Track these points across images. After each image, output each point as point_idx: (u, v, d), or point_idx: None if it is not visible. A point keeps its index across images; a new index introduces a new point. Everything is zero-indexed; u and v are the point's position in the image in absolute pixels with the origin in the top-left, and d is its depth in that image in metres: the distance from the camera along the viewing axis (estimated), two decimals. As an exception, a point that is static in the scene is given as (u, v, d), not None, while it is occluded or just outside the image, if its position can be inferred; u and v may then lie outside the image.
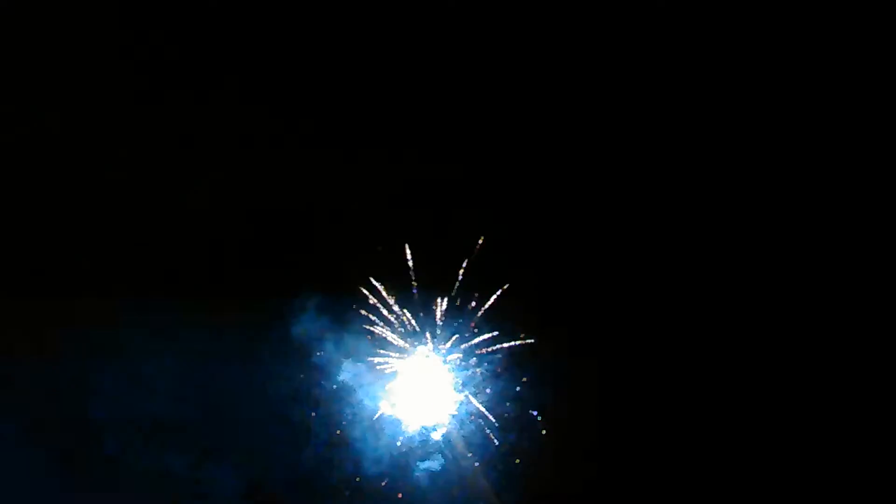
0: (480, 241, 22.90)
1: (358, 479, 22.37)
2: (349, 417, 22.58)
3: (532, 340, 22.75)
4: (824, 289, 23.43)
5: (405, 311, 22.92)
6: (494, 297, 22.82)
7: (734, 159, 23.95)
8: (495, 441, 22.66)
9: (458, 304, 22.78)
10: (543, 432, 22.71)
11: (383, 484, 22.37)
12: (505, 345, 22.82)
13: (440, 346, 22.91)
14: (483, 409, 22.75)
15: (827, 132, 23.76)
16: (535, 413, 22.68)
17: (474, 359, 22.91)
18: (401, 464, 22.47)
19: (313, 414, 22.67)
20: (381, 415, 22.71)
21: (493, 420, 22.71)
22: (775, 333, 23.26)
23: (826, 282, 23.46)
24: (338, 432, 22.62)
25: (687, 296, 23.50)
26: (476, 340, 22.91)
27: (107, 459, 22.74)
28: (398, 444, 22.56)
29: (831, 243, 23.49)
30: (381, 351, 22.84)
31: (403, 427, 22.68)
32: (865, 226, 23.59)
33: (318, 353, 22.68)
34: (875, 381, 22.98)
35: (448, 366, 22.95)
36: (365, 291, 22.82)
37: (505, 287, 22.81)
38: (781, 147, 23.92)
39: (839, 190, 23.68)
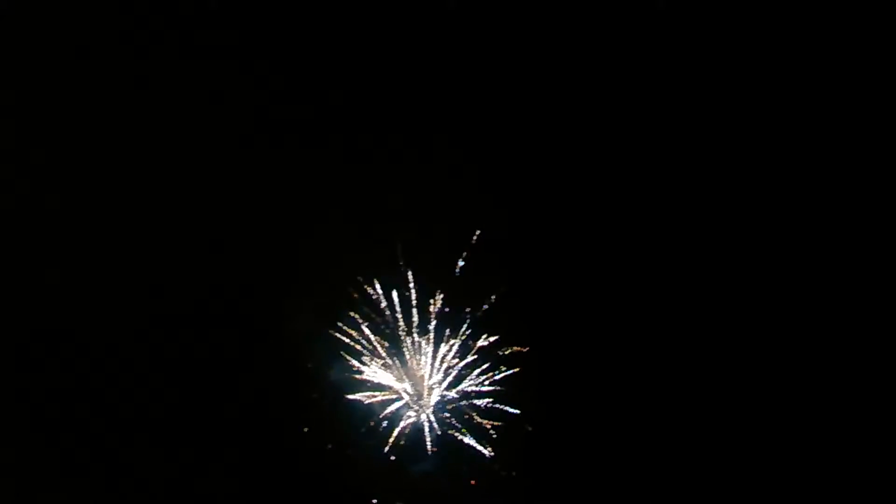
0: (475, 237, 22.89)
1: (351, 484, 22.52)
2: (341, 421, 22.67)
3: (527, 349, 22.76)
4: (824, 290, 23.37)
5: (399, 312, 22.96)
6: (491, 299, 22.87)
7: (734, 160, 23.86)
8: (489, 451, 22.70)
9: (448, 310, 22.82)
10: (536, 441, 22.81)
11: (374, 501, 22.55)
12: (500, 352, 22.86)
13: (434, 350, 22.94)
14: (476, 416, 22.83)
15: (827, 133, 23.64)
16: (528, 424, 22.76)
17: (468, 359, 22.96)
18: (393, 467, 22.59)
19: (305, 430, 22.75)
20: (373, 417, 22.82)
21: (486, 423, 22.78)
22: (775, 337, 23.25)
23: (826, 283, 23.40)
24: (329, 446, 22.70)
25: (686, 300, 23.48)
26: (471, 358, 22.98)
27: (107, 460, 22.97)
28: (388, 449, 22.68)
29: (831, 244, 23.40)
30: (370, 357, 22.93)
31: (395, 430, 22.80)
32: (865, 226, 23.51)
33: (309, 365, 22.75)
34: (875, 382, 22.92)
35: (442, 368, 23.00)
36: (358, 293, 22.90)
37: (502, 290, 22.84)
38: (782, 148, 23.83)
39: (839, 190, 23.58)
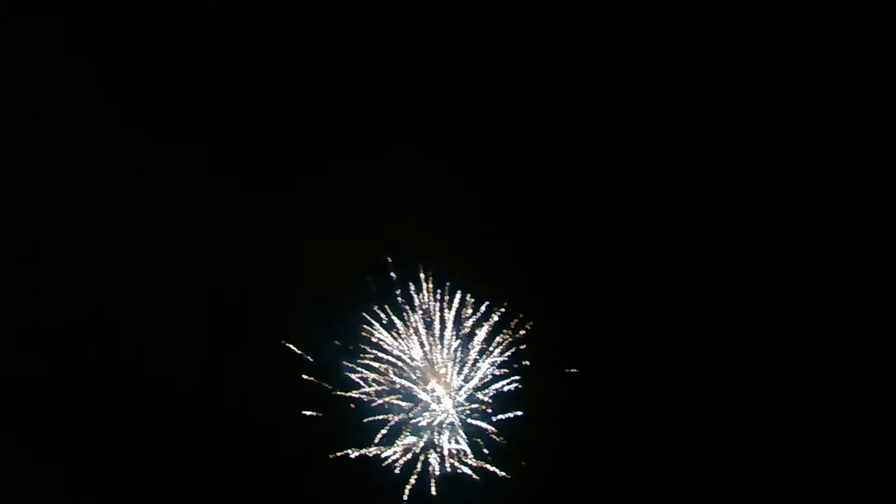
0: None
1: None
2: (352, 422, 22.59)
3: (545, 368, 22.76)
4: (824, 293, 23.39)
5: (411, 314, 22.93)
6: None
7: (734, 161, 23.89)
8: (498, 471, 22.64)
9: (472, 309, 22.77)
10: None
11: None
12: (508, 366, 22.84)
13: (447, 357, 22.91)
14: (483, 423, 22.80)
15: (828, 133, 23.69)
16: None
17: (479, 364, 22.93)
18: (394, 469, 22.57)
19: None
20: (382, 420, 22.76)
21: (494, 432, 22.74)
22: (776, 340, 23.26)
23: (826, 284, 23.42)
24: (338, 454, 22.60)
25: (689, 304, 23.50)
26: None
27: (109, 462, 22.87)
28: (396, 451, 22.60)
29: (832, 244, 23.42)
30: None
31: (401, 434, 22.69)
32: (865, 226, 23.55)
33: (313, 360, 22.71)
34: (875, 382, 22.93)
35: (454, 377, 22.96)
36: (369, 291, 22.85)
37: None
38: (782, 148, 23.86)
39: (839, 191, 23.60)
